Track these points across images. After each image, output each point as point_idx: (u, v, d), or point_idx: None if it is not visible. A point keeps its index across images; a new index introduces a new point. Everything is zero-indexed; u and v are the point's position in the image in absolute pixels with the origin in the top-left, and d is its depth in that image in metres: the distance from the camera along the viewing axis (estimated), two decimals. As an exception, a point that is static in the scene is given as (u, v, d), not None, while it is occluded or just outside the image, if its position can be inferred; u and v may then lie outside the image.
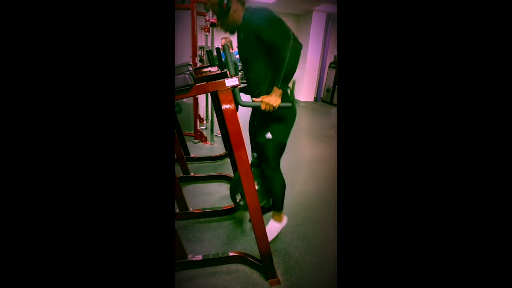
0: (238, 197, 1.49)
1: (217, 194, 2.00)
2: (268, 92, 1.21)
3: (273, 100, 1.09)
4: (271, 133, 1.27)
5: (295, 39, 1.05)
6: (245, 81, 1.38)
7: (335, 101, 6.29)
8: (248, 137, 1.46)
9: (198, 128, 3.09)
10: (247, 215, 1.71)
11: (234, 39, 3.27)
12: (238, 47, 1.27)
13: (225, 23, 1.19)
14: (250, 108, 1.36)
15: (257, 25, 1.09)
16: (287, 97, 1.22)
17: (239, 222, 1.67)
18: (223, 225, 1.64)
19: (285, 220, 1.54)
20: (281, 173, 1.38)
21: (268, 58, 1.18)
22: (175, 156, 2.10)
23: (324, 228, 1.64)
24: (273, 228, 1.50)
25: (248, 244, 1.47)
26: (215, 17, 2.74)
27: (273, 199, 1.47)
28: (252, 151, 1.47)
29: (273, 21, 1.07)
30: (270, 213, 1.53)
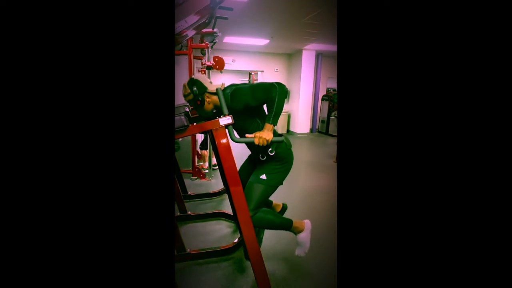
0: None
1: (215, 233, 1.94)
2: (263, 149, 1.28)
3: (265, 134, 1.13)
4: (266, 175, 1.28)
5: (279, 84, 1.15)
6: None
7: (330, 131, 6.43)
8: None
9: (196, 164, 3.11)
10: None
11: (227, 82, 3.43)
12: None
13: (201, 112, 1.32)
14: (244, 144, 1.39)
15: (243, 104, 1.17)
16: (283, 148, 1.29)
17: (239, 262, 1.60)
18: (222, 266, 1.56)
19: (306, 224, 1.44)
20: (261, 210, 1.30)
21: (259, 113, 1.28)
22: (173, 194, 2.07)
23: (328, 266, 1.56)
24: (301, 240, 1.41)
25: (248, 286, 1.39)
26: (210, 60, 2.91)
27: (278, 229, 1.40)
28: None
29: (253, 89, 1.17)
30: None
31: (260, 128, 1.27)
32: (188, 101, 1.28)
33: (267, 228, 1.37)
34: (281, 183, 1.33)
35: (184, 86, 1.26)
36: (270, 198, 1.47)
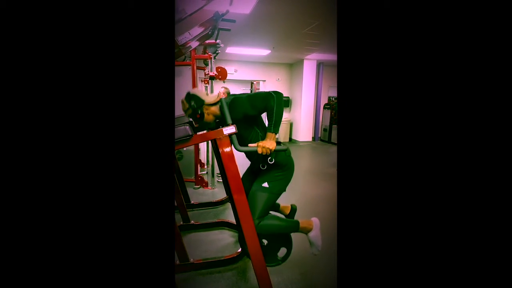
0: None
1: (218, 243, 1.93)
2: (263, 158, 1.29)
3: (268, 143, 1.14)
4: (268, 183, 1.29)
5: (276, 92, 1.17)
6: None
7: (332, 139, 6.42)
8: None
9: (199, 173, 3.11)
10: (249, 264, 1.63)
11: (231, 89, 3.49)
12: None
13: (202, 124, 1.36)
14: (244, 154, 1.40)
15: (241, 113, 1.22)
16: (283, 156, 1.31)
17: (243, 272, 1.58)
18: (225, 276, 1.55)
19: (314, 222, 1.44)
20: (267, 216, 1.31)
21: (258, 122, 1.30)
22: (175, 204, 2.08)
23: (328, 272, 1.54)
24: (313, 239, 1.42)
25: (252, 297, 1.37)
26: (213, 70, 2.97)
27: (286, 232, 1.41)
28: None
29: (249, 99, 1.20)
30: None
31: (259, 137, 1.30)
32: (189, 116, 1.31)
33: (275, 233, 1.37)
34: (284, 190, 1.34)
35: (182, 101, 1.30)
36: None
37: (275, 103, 1.15)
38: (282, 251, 1.49)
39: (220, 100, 1.15)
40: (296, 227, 1.39)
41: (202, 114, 1.28)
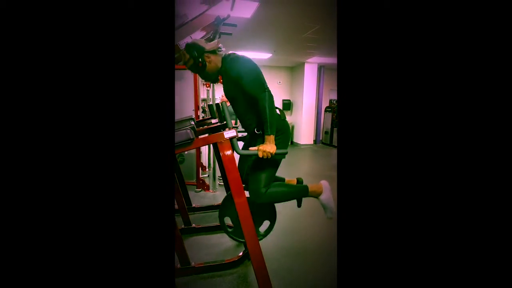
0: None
1: (220, 246, 1.92)
2: (257, 121, 1.29)
3: (269, 147, 1.15)
4: None
5: (269, 91, 1.16)
6: (243, 129, 1.46)
7: (333, 142, 6.42)
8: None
9: (201, 176, 3.12)
10: (250, 268, 1.62)
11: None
12: (223, 87, 1.37)
13: (205, 76, 1.32)
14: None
15: (236, 75, 1.20)
16: (277, 120, 1.28)
17: (244, 276, 1.58)
18: (226, 280, 1.54)
19: (324, 185, 1.40)
20: (274, 184, 1.29)
21: (250, 97, 1.27)
22: (176, 207, 2.08)
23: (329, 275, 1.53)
24: (324, 202, 1.38)
25: (254, 301, 1.37)
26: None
27: (296, 198, 1.39)
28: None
29: (251, 72, 1.18)
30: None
31: (250, 108, 1.27)
32: (190, 67, 1.28)
33: (284, 200, 1.34)
34: (284, 156, 1.31)
35: (182, 53, 1.26)
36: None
37: (267, 105, 1.13)
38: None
39: (221, 103, 1.16)
40: (305, 191, 1.36)
41: (204, 63, 1.25)
